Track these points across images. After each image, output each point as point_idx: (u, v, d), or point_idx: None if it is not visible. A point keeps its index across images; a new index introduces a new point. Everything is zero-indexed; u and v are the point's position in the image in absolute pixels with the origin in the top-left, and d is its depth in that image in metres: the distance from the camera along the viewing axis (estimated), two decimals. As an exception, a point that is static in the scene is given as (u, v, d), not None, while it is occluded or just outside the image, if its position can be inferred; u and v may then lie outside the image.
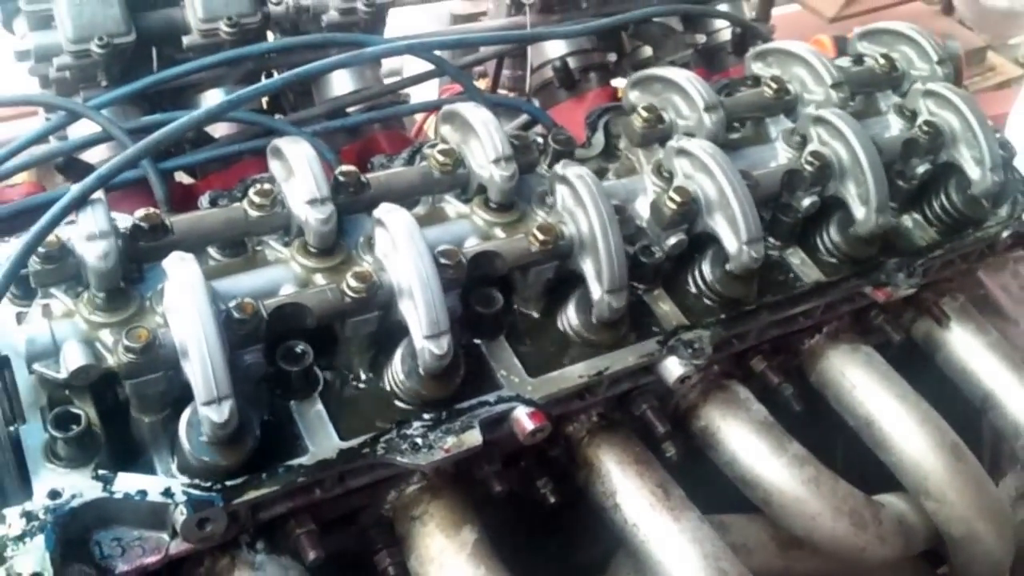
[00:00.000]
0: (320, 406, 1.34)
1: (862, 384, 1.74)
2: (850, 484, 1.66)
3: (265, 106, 2.12)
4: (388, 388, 1.37)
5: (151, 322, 1.25)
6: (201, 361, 1.16)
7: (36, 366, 1.22)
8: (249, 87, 1.40)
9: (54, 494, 1.18)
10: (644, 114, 1.65)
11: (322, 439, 1.30)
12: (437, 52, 1.75)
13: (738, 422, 1.63)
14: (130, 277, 1.30)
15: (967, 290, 2.02)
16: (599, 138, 1.78)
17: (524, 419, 1.37)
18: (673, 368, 1.49)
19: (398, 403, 1.37)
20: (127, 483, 1.20)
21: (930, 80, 1.87)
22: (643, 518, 1.48)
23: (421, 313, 1.28)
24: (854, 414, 1.75)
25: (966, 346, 1.90)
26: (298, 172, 1.36)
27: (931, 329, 1.92)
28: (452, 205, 1.53)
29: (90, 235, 1.21)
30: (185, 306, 1.18)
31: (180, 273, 1.21)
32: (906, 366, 1.82)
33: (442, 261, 1.34)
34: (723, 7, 2.53)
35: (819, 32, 4.72)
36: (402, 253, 1.30)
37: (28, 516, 1.15)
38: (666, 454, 1.62)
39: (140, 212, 1.33)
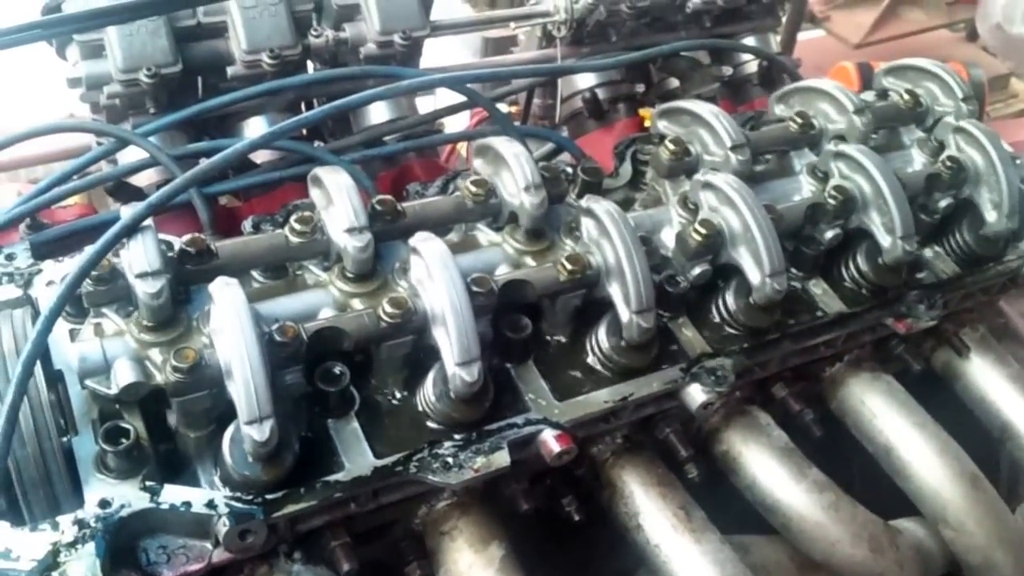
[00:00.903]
0: (356, 424, 1.40)
1: (882, 413, 1.78)
2: (868, 510, 1.69)
3: (305, 132, 2.19)
4: (420, 408, 1.43)
5: (197, 342, 1.32)
6: (244, 383, 1.22)
7: (88, 382, 1.28)
8: (291, 118, 1.47)
9: (104, 503, 1.24)
10: (671, 147, 1.70)
11: (357, 456, 1.36)
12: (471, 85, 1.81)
13: (759, 447, 1.67)
14: (177, 298, 1.36)
15: (987, 318, 2.05)
16: (626, 168, 1.83)
17: (551, 441, 1.43)
18: (696, 395, 1.54)
19: (430, 423, 1.42)
20: (173, 495, 1.27)
21: (955, 116, 1.91)
22: (665, 539, 1.53)
23: (453, 341, 1.34)
24: (873, 442, 1.79)
25: (985, 377, 1.92)
26: (337, 201, 1.43)
27: (951, 359, 1.95)
28: (484, 233, 1.59)
29: (142, 272, 1.27)
30: (230, 329, 1.24)
31: (225, 298, 1.28)
32: (925, 393, 1.86)
33: (474, 289, 1.40)
34: (749, 40, 2.59)
35: (843, 58, 4.75)
36: (436, 282, 1.36)
37: (80, 524, 1.22)
38: (688, 475, 1.66)
39: (187, 237, 1.39)
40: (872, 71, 4.40)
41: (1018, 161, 1.92)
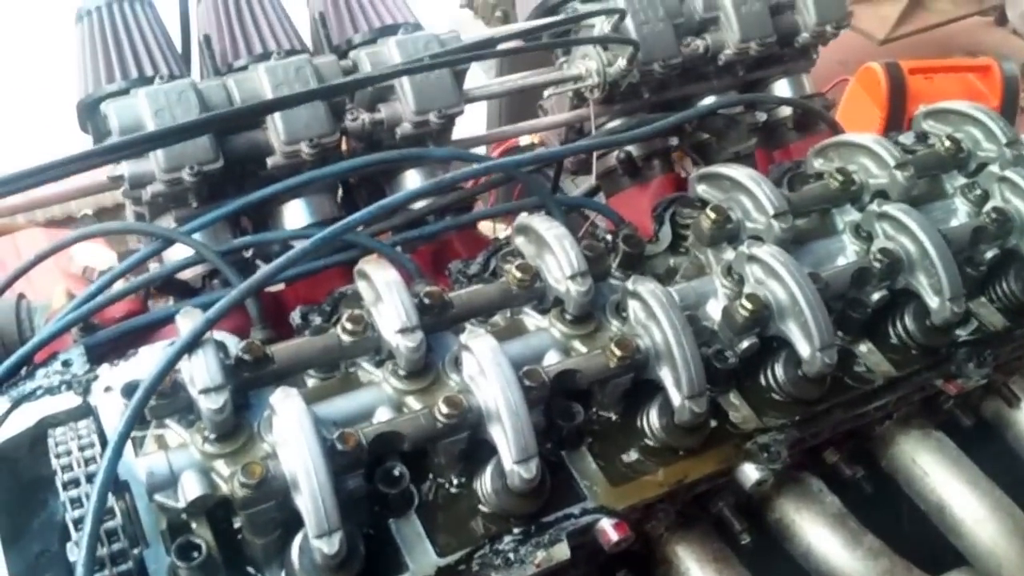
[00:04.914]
0: (416, 521, 1.48)
1: (933, 471, 1.84)
2: (923, 572, 1.75)
3: (340, 198, 2.26)
4: (479, 501, 1.51)
5: (260, 450, 1.41)
6: (312, 497, 1.31)
7: (157, 496, 1.37)
8: (337, 224, 1.54)
9: (179, 618, 1.33)
10: (712, 215, 1.76)
11: (421, 556, 1.44)
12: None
13: (812, 515, 1.74)
14: (236, 403, 1.45)
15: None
16: (666, 232, 1.90)
17: (609, 530, 1.50)
18: (750, 473, 1.61)
19: (489, 516, 1.50)
20: (244, 606, 1.35)
21: (999, 163, 1.97)
22: (722, 615, 1.60)
23: (511, 439, 1.42)
24: (926, 500, 1.85)
25: (1036, 426, 1.98)
26: (386, 299, 1.51)
27: (1000, 408, 2.01)
28: (531, 318, 1.67)
29: (205, 388, 1.36)
30: (295, 444, 1.33)
31: (288, 411, 1.36)
32: (980, 439, 1.92)
33: (527, 383, 1.48)
34: (783, 82, 2.65)
35: (868, 54, 4.78)
36: (490, 380, 1.44)
37: (157, 641, 1.31)
38: (741, 541, 1.73)
39: (243, 344, 1.48)
40: (900, 70, 4.46)
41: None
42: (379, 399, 1.51)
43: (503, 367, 1.45)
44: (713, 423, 1.66)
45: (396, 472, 1.47)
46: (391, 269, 1.56)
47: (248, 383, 1.47)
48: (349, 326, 1.52)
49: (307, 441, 1.33)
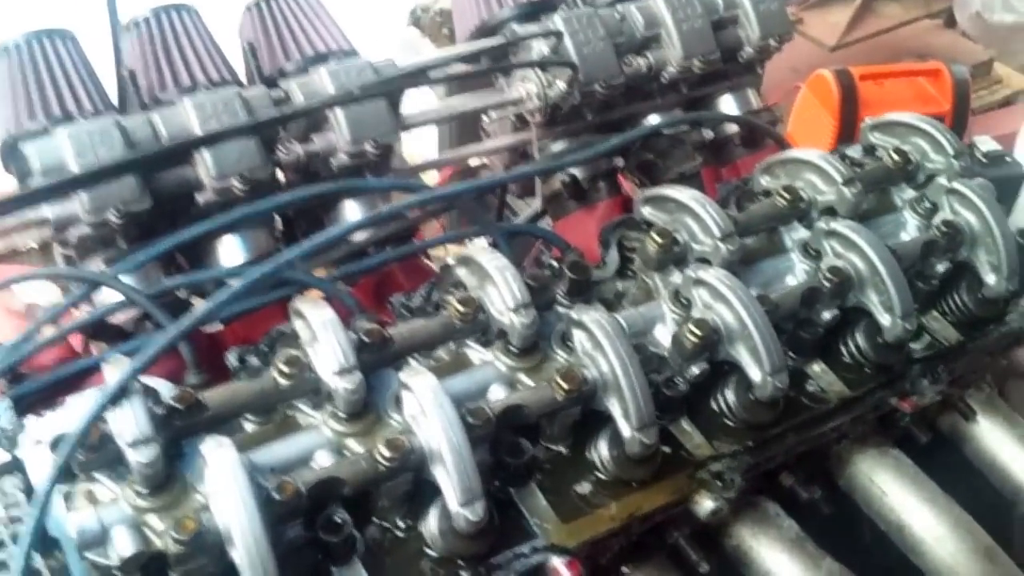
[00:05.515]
0: (361, 569, 1.45)
1: (891, 490, 1.83)
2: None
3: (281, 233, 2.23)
4: (425, 544, 1.48)
5: (194, 502, 1.37)
6: (248, 552, 1.28)
7: (88, 554, 1.33)
8: (270, 262, 1.51)
9: (116, 677, 1.29)
10: (658, 240, 1.74)
11: (365, 606, 1.41)
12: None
13: (769, 540, 1.72)
14: (168, 452, 1.41)
15: (991, 368, 2.10)
16: (613, 256, 1.88)
17: (561, 569, 1.48)
18: (705, 503, 1.60)
19: (436, 560, 1.47)
20: (182, 664, 1.31)
21: (947, 173, 1.97)
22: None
23: (455, 481, 1.39)
24: (885, 519, 1.84)
25: (994, 439, 1.97)
26: (322, 340, 1.47)
27: (957, 421, 2.00)
28: (474, 351, 1.64)
29: (133, 441, 1.32)
30: (227, 497, 1.30)
31: (219, 462, 1.33)
32: (936, 454, 1.92)
33: (471, 421, 1.45)
34: (728, 98, 2.65)
35: (821, 62, 4.80)
36: (431, 420, 1.41)
37: None
38: (700, 570, 1.71)
39: (175, 393, 1.44)
40: (851, 77, 4.48)
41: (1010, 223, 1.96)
42: (318, 443, 1.48)
43: (444, 407, 1.42)
44: (666, 449, 1.65)
45: (337, 519, 1.43)
46: (327, 308, 1.53)
47: (181, 432, 1.43)
48: (285, 368, 1.49)
49: (240, 493, 1.30)
